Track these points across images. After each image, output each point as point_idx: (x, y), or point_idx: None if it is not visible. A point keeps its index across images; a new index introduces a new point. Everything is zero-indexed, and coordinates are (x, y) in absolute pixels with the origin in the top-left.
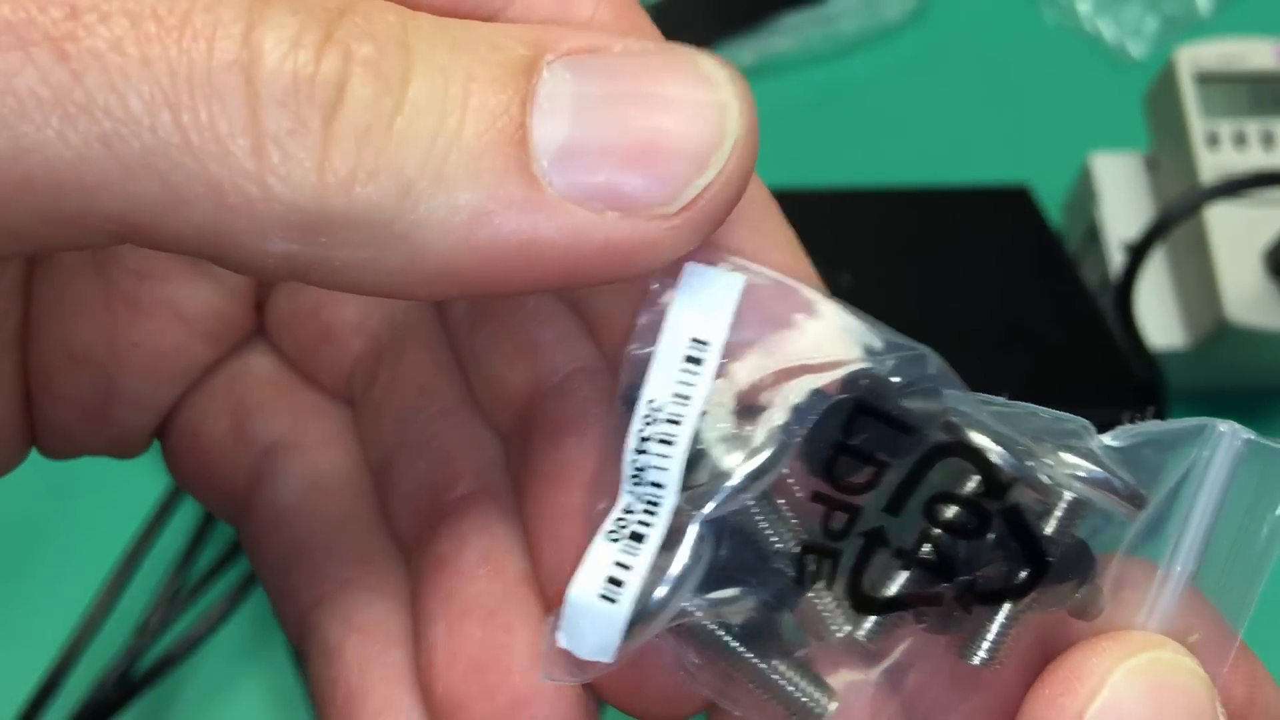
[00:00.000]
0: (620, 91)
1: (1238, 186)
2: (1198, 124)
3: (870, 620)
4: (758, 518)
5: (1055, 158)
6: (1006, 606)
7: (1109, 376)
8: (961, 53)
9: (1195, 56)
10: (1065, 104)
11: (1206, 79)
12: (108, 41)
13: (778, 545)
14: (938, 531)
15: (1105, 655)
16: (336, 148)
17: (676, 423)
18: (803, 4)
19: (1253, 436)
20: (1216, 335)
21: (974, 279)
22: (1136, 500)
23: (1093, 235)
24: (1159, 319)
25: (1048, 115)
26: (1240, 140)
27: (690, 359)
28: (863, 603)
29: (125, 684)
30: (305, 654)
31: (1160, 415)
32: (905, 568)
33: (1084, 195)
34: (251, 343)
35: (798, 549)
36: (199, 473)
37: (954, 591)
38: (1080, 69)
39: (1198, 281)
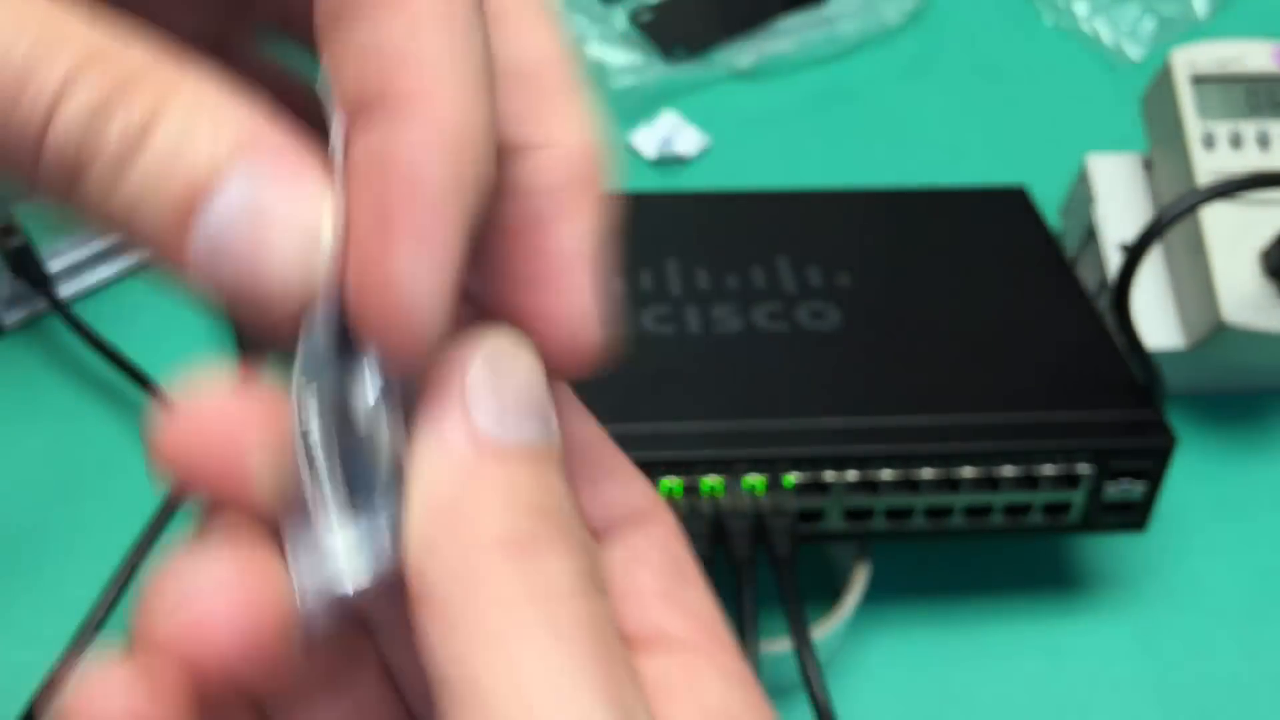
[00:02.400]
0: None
1: (1234, 188)
2: (1194, 125)
3: None
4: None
5: (1053, 158)
6: None
7: (1106, 377)
8: (960, 54)
9: (1191, 58)
10: (1063, 105)
11: (1203, 80)
12: None
13: None
14: None
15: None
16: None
17: None
18: (802, 6)
19: None
20: (1213, 336)
21: (971, 279)
22: None
23: (1090, 236)
24: (1156, 320)
25: (1045, 116)
26: (1236, 141)
27: None
28: None
29: None
30: None
31: (1158, 415)
32: None
33: (1081, 196)
34: None
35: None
36: None
37: None
38: (1078, 71)
39: (1194, 282)
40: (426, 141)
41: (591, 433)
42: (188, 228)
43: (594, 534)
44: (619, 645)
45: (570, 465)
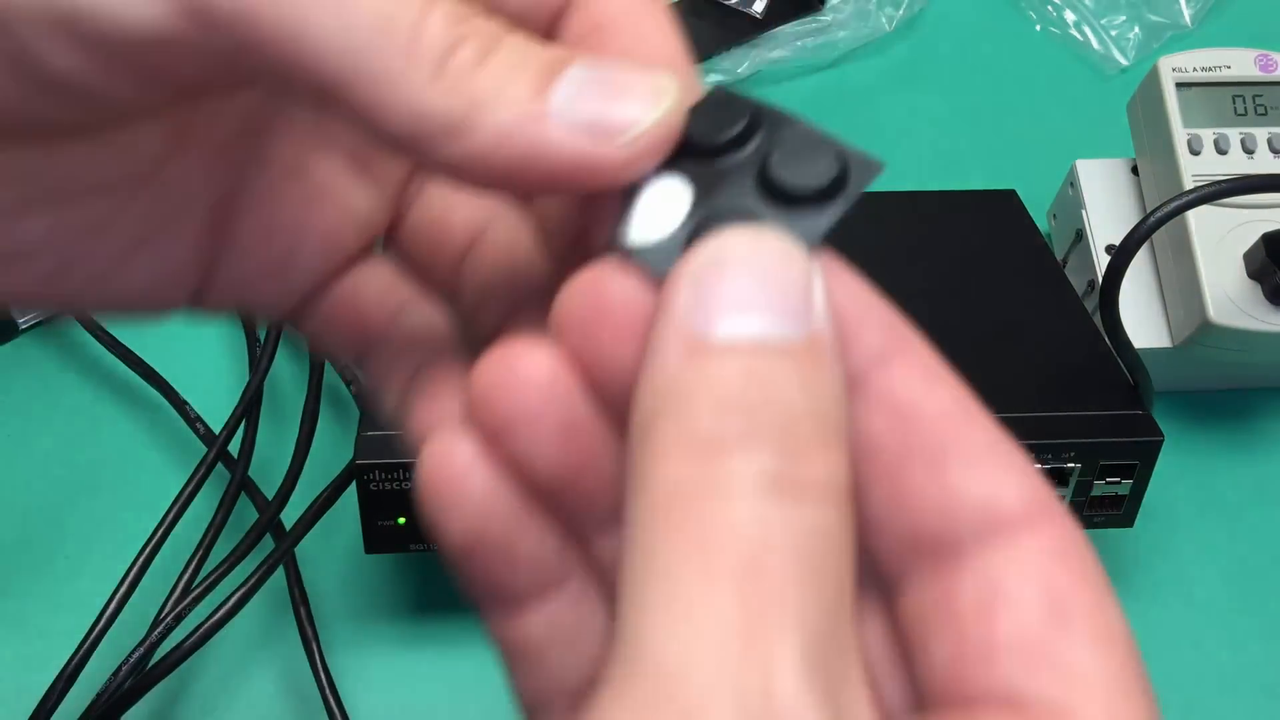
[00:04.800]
0: (604, 77)
1: (1220, 192)
2: (1180, 131)
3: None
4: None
5: (1043, 163)
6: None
7: (1094, 375)
8: (951, 61)
9: (1178, 64)
10: (1052, 111)
11: (1189, 87)
12: None
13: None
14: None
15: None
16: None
17: None
18: (799, 15)
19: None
20: (1199, 335)
21: (962, 280)
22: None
23: (1079, 238)
24: (1143, 319)
25: (1035, 121)
26: (1221, 147)
27: None
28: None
29: (141, 674)
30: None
31: (1145, 413)
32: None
33: (1070, 199)
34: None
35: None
36: (335, 330)
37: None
38: (1067, 76)
39: (1180, 283)
40: None
41: (946, 399)
42: (545, 93)
43: (933, 553)
44: (847, 630)
45: (905, 444)
